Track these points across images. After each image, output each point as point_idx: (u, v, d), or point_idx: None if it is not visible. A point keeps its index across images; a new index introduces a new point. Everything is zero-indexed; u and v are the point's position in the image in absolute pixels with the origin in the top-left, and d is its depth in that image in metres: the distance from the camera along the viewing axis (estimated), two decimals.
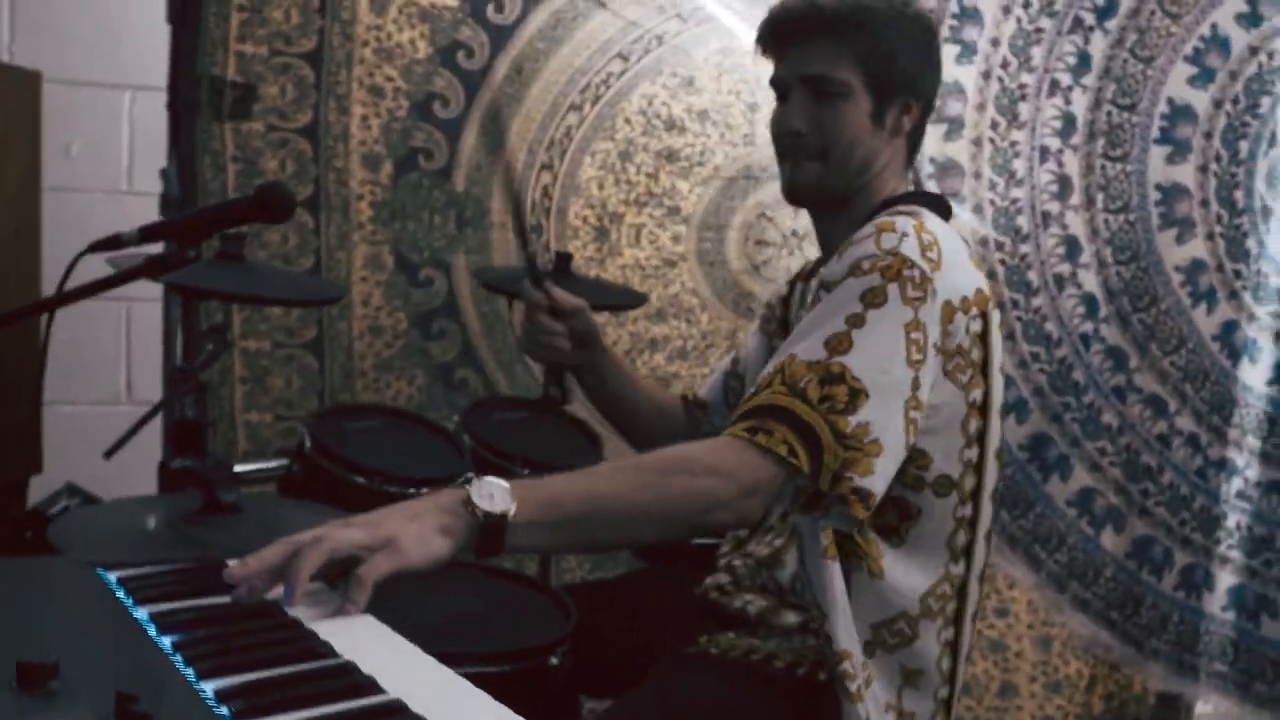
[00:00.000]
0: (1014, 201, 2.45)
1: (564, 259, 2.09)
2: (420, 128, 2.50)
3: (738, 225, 2.61)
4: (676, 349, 2.62)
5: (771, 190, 2.41)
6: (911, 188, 1.50)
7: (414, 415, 2.02)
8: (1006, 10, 2.41)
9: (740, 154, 2.57)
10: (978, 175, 2.45)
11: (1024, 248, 2.43)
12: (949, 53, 2.39)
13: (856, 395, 1.10)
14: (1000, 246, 2.44)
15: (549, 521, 1.02)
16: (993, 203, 2.45)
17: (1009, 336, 2.38)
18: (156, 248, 1.29)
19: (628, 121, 2.54)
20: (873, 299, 1.16)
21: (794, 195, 1.45)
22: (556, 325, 1.65)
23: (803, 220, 2.24)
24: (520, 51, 2.50)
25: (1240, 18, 2.32)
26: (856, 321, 1.14)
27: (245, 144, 2.45)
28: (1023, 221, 2.44)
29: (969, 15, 2.42)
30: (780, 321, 1.63)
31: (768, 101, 1.49)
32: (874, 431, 1.10)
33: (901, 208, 1.33)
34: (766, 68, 1.46)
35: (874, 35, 1.33)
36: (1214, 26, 2.33)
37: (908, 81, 1.38)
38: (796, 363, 1.13)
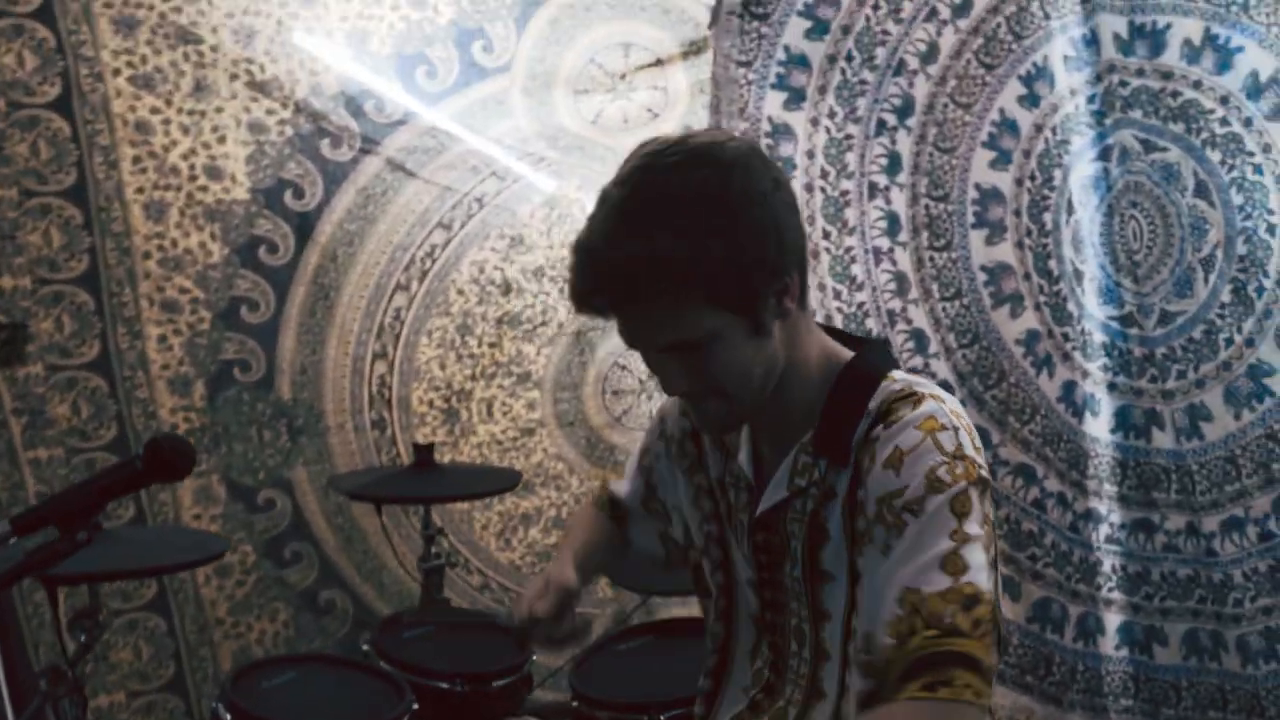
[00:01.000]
0: (860, 305, 2.48)
1: (424, 451, 1.92)
2: (229, 338, 2.25)
3: (592, 380, 2.50)
4: (551, 519, 2.47)
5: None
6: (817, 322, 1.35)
7: (329, 656, 1.87)
8: (814, 122, 2.45)
9: None
10: (822, 287, 2.46)
11: (860, 295, 2.47)
12: None
13: (992, 608, 1.09)
14: (837, 294, 2.46)
15: None
16: (840, 310, 2.47)
17: None
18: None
19: (461, 293, 2.39)
20: (962, 508, 1.11)
21: (716, 433, 1.32)
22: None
23: None
24: (330, 237, 2.30)
25: (1021, 99, 2.46)
26: (961, 538, 1.10)
27: (26, 391, 2.11)
28: (871, 324, 2.47)
29: (781, 132, 2.45)
30: (695, 460, 1.44)
31: None
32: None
33: (902, 388, 1.21)
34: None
35: (713, 259, 1.08)
36: (1001, 111, 2.46)
37: (772, 270, 1.14)
38: (929, 599, 1.08)
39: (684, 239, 1.06)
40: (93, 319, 2.16)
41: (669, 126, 2.51)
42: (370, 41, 2.30)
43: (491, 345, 2.40)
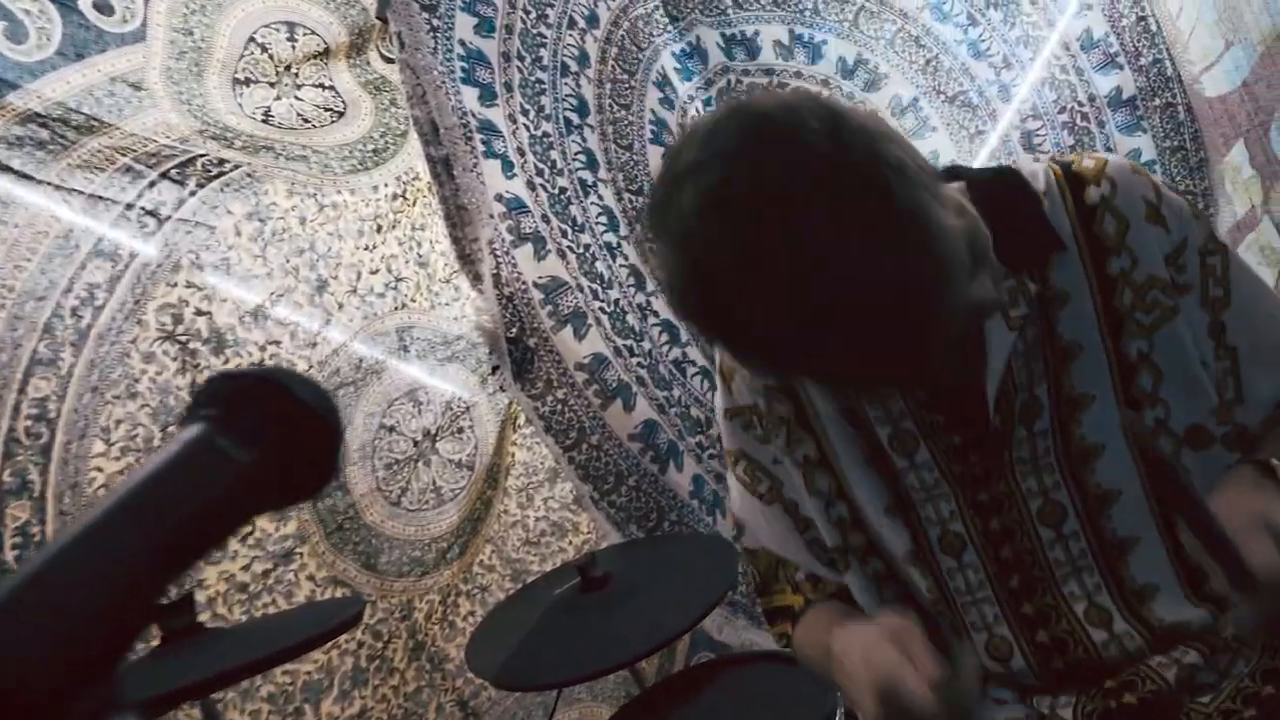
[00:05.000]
0: (615, 303, 2.23)
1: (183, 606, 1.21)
2: None
3: (356, 456, 1.79)
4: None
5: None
6: None
7: None
8: (512, 119, 2.17)
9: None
10: (580, 288, 2.14)
11: (612, 292, 2.21)
12: None
13: None
14: (595, 293, 2.17)
15: None
16: (602, 309, 2.17)
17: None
18: None
19: (149, 358, 1.55)
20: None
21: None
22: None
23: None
24: None
25: (661, 102, 2.52)
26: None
27: None
28: (631, 319, 2.22)
29: (488, 128, 2.11)
30: (796, 418, 1.10)
31: None
32: None
33: (1055, 157, 1.09)
34: None
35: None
36: (652, 112, 2.48)
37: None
38: None
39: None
40: None
41: (357, 128, 1.98)
42: None
43: None
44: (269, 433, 0.54)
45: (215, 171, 1.67)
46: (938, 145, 2.62)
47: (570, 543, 2.31)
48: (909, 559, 1.04)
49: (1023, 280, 0.98)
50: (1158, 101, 2.46)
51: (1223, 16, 2.43)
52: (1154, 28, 2.44)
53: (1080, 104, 2.52)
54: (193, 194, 1.61)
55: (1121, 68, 2.49)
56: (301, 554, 1.68)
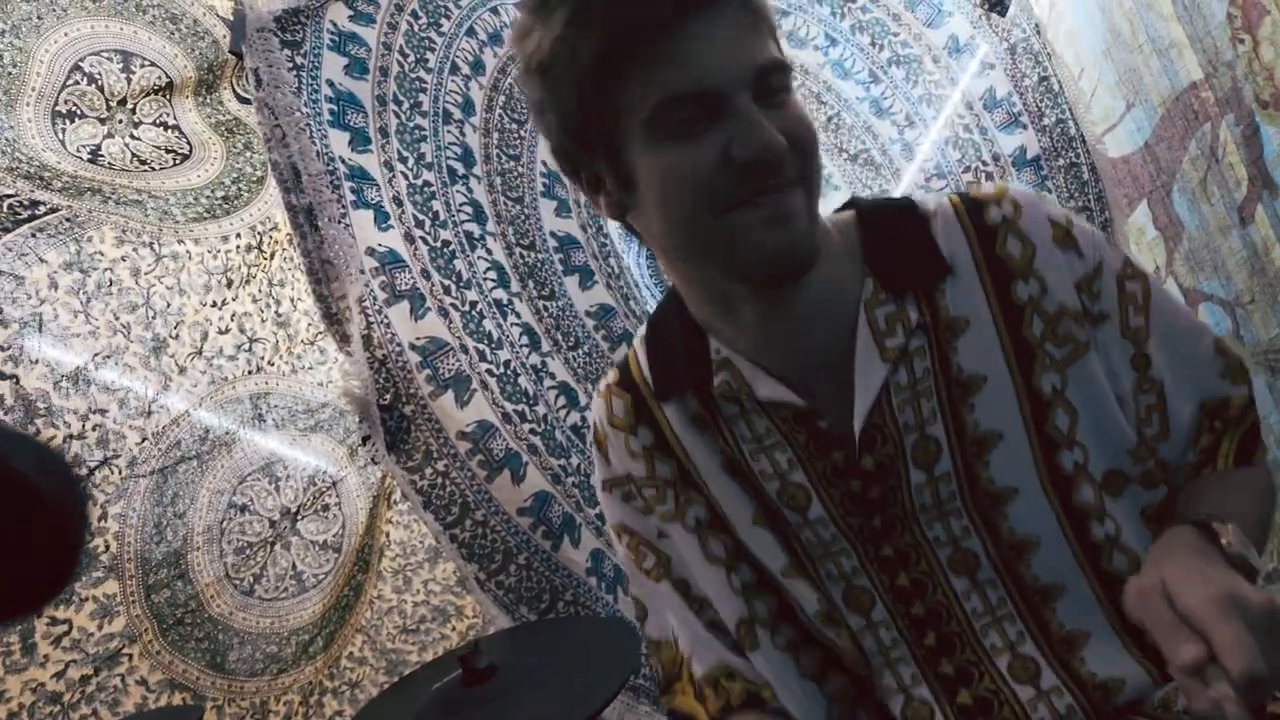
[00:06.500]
0: (506, 364, 2.04)
1: None
2: None
3: (201, 540, 1.56)
4: None
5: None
6: None
7: None
8: (389, 166, 1.99)
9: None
10: (464, 349, 1.95)
11: (502, 353, 2.03)
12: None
13: None
14: (482, 354, 1.99)
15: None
16: (490, 372, 1.98)
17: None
18: None
19: None
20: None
21: (801, 249, 0.87)
22: None
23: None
24: None
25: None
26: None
27: None
28: (524, 381, 2.04)
29: (359, 175, 1.93)
30: (679, 474, 1.00)
31: None
32: None
33: (948, 189, 1.02)
34: None
35: None
36: (544, 163, 2.34)
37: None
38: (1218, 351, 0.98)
39: None
40: None
41: (205, 172, 1.77)
42: None
43: None
44: None
45: (26, 215, 1.44)
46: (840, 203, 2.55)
47: (454, 629, 2.11)
48: (821, 619, 0.95)
49: (903, 307, 0.89)
50: (1061, 161, 2.43)
51: (1123, 78, 2.42)
52: (1056, 88, 2.42)
53: (985, 163, 2.47)
54: None
55: (1025, 127, 2.46)
56: (131, 655, 1.44)
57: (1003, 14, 2.46)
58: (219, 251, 1.70)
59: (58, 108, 1.58)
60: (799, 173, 0.84)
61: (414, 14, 2.16)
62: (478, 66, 2.27)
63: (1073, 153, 2.42)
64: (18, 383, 1.38)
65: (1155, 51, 2.34)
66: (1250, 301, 2.25)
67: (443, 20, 2.23)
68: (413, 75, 2.11)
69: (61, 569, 0.46)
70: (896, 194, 2.57)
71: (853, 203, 1.01)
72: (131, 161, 1.66)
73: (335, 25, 1.99)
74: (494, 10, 2.35)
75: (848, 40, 2.59)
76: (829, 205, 2.40)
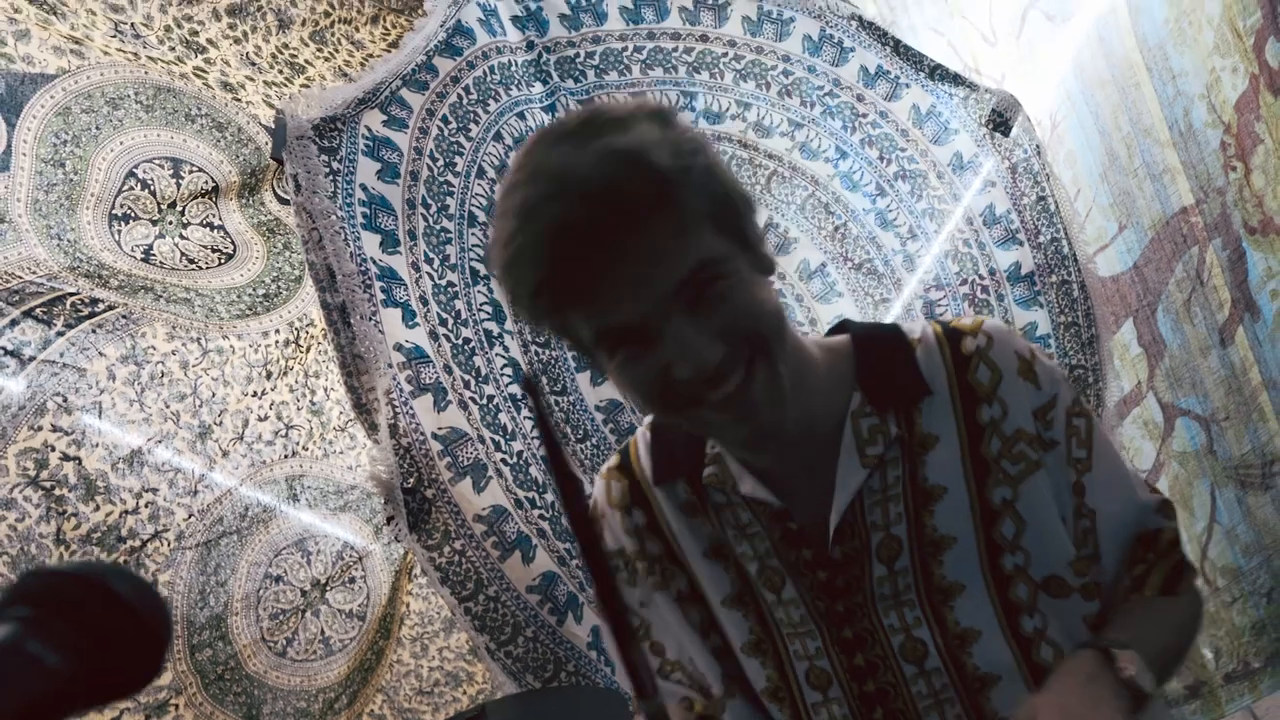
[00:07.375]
0: (519, 455, 2.16)
1: None
2: None
3: (240, 605, 1.63)
4: None
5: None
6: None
7: None
8: (415, 267, 2.11)
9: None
10: (481, 439, 2.04)
11: (515, 444, 2.12)
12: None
13: None
14: (497, 445, 2.08)
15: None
16: (505, 462, 2.08)
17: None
18: None
19: (9, 505, 1.38)
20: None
21: (767, 421, 0.93)
22: None
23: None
24: None
25: None
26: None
27: None
28: (535, 471, 2.13)
29: (389, 276, 2.05)
30: (667, 553, 1.12)
31: None
32: None
33: (933, 321, 1.11)
34: None
35: (701, 170, 0.88)
36: None
37: (749, 200, 0.95)
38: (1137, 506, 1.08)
39: (669, 153, 0.84)
40: None
41: (247, 271, 1.88)
42: None
43: None
44: (86, 635, 0.48)
45: (87, 312, 1.55)
46: (844, 310, 2.65)
47: (465, 692, 2.19)
48: (767, 695, 1.07)
49: (886, 421, 1.01)
50: (1054, 278, 2.54)
51: (1117, 200, 2.54)
52: (1052, 207, 2.54)
53: (981, 277, 2.59)
54: (60, 334, 1.49)
55: (1021, 244, 2.58)
56: (177, 705, 1.52)
57: (1006, 134, 2.59)
58: (260, 346, 1.80)
59: (114, 211, 1.70)
60: (750, 353, 0.88)
61: (444, 119, 2.30)
62: (503, 170, 2.41)
63: (1065, 270, 2.53)
64: (80, 464, 1.47)
65: (1150, 176, 2.47)
66: (1225, 419, 2.33)
67: (471, 125, 2.37)
68: (441, 179, 2.25)
69: (152, 667, 0.55)
70: (897, 303, 2.67)
71: (846, 327, 1.12)
72: (181, 260, 1.77)
73: (370, 130, 2.13)
74: (520, 115, 2.49)
75: (857, 154, 2.73)
76: (833, 310, 2.50)
